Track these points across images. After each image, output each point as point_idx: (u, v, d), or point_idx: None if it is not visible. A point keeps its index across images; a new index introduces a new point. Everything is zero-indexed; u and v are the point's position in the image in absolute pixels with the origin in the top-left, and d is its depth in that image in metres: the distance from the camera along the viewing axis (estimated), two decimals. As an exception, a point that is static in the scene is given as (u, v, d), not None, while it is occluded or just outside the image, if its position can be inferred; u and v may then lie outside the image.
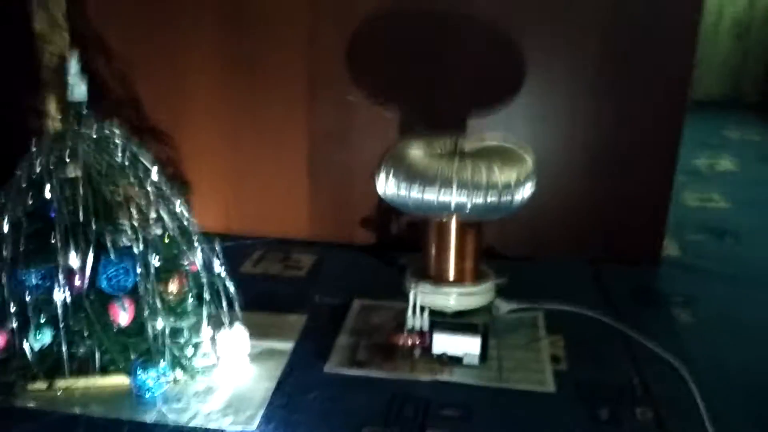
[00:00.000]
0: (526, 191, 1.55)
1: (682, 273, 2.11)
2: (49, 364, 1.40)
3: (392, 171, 1.54)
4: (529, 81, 2.05)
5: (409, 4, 2.04)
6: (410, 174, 1.51)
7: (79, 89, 1.50)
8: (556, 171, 2.10)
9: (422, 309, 1.59)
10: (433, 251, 1.65)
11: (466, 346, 1.55)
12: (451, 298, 1.61)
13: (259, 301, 1.77)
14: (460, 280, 1.64)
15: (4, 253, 1.37)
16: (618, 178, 2.09)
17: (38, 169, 1.43)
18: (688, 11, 1.94)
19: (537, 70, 2.04)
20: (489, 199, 1.49)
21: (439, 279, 1.63)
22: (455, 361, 1.56)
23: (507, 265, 1.87)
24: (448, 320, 1.61)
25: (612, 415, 1.42)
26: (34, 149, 1.47)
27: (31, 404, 1.39)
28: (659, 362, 1.61)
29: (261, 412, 1.40)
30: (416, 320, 1.58)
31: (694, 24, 1.95)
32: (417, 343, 1.57)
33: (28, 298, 1.37)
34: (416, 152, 1.58)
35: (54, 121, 2.30)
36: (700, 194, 2.80)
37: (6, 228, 1.38)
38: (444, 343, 1.56)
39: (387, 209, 2.09)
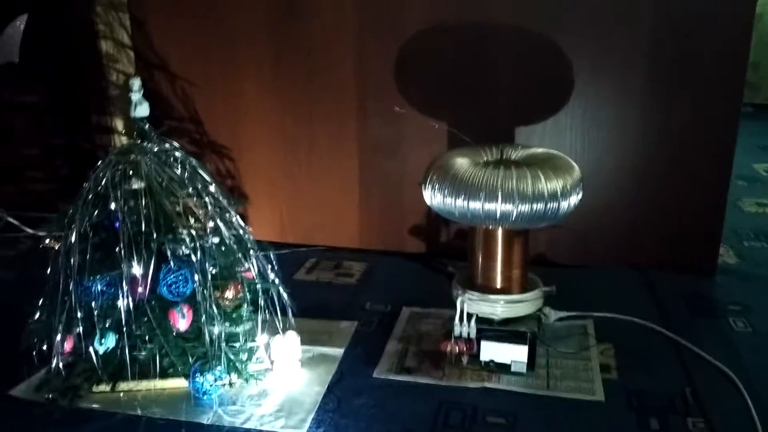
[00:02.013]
0: (572, 200, 1.55)
1: (738, 281, 2.06)
2: (113, 367, 1.47)
3: (438, 181, 1.57)
4: (577, 89, 2.04)
5: (455, 15, 2.07)
6: (456, 183, 1.53)
7: (141, 107, 1.58)
8: (607, 178, 2.08)
9: (470, 316, 1.61)
10: (480, 259, 1.66)
11: (513, 353, 1.56)
12: (499, 306, 1.62)
13: (312, 308, 1.82)
14: (507, 288, 1.65)
15: (72, 262, 1.45)
16: (671, 185, 2.06)
17: (104, 183, 1.51)
18: (739, 16, 1.90)
19: (585, 78, 2.03)
20: (535, 208, 1.50)
21: (486, 287, 1.65)
22: (503, 368, 1.57)
23: (557, 273, 1.87)
24: (495, 328, 1.62)
25: (662, 425, 1.40)
26: (100, 163, 1.55)
27: (96, 406, 1.47)
28: (713, 372, 1.58)
29: (311, 416, 1.44)
30: (464, 328, 1.60)
31: (745, 29, 1.91)
32: (465, 350, 1.59)
33: (93, 305, 1.45)
34: (462, 161, 1.60)
35: (120, 137, 2.43)
36: (758, 200, 2.72)
37: (74, 238, 1.46)
38: (491, 351, 1.57)
39: (436, 217, 2.11)
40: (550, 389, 1.53)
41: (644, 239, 2.12)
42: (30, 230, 2.37)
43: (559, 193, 1.52)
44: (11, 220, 2.40)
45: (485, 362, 1.57)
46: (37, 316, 1.50)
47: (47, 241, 1.54)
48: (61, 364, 1.46)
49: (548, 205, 1.51)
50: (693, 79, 1.97)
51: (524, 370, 1.56)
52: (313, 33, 2.18)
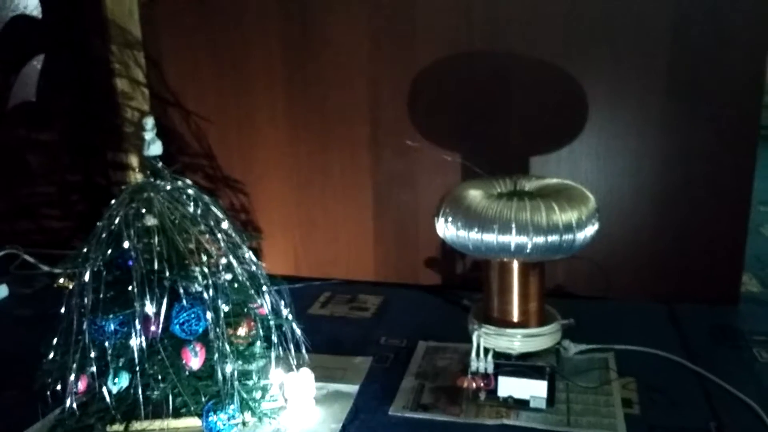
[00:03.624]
0: (588, 231, 1.53)
1: (763, 310, 2.01)
2: (126, 407, 1.46)
3: (451, 213, 1.55)
4: (592, 117, 2.03)
5: (468, 44, 2.07)
6: (469, 216, 1.52)
7: (154, 146, 1.59)
8: (625, 207, 2.06)
9: (486, 351, 1.58)
10: (496, 293, 1.63)
11: (532, 389, 1.53)
12: (516, 341, 1.59)
13: (326, 343, 1.80)
14: (524, 322, 1.62)
15: (85, 300, 1.44)
16: (690, 213, 2.03)
17: (117, 221, 1.51)
18: (754, 40, 1.88)
19: (601, 105, 2.02)
20: (549, 240, 1.47)
21: (502, 321, 1.62)
22: (521, 404, 1.54)
23: (576, 305, 1.83)
24: (513, 363, 1.59)
25: (687, 462, 1.37)
26: (113, 202, 1.56)
27: (110, 446, 1.46)
28: (738, 405, 1.54)
29: (326, 456, 1.42)
30: (480, 363, 1.57)
31: (760, 53, 1.89)
32: (482, 386, 1.56)
33: (107, 344, 1.44)
34: (475, 193, 1.59)
35: (135, 173, 2.45)
36: (781, 227, 2.68)
37: (87, 277, 1.46)
38: (509, 386, 1.54)
39: (451, 250, 2.09)
40: (571, 425, 1.49)
41: (664, 268, 2.08)
42: (46, 268, 2.38)
43: (574, 224, 1.49)
44: (27, 257, 2.42)
45: (503, 398, 1.54)
46: (51, 355, 1.49)
47: (61, 280, 1.54)
48: (74, 404, 1.45)
49: (563, 237, 1.48)
50: (710, 105, 1.95)
51: (544, 405, 1.52)
52: (326, 65, 2.19)
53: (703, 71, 1.94)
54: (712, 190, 2.00)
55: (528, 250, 1.47)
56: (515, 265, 1.60)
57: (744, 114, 1.93)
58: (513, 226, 1.47)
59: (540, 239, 1.47)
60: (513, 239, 1.47)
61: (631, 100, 2.01)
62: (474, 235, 1.51)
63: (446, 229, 1.57)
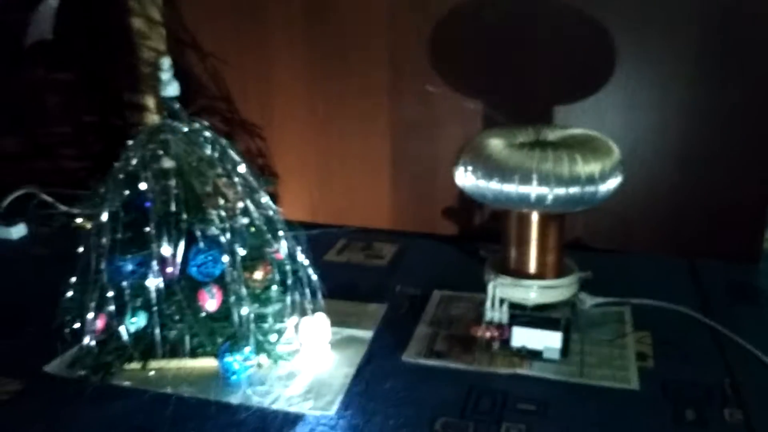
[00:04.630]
0: (611, 183, 1.50)
1: (784, 269, 1.99)
2: (144, 346, 1.48)
3: (471, 163, 1.53)
4: (619, 69, 1.98)
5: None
6: (489, 166, 1.49)
7: (171, 86, 1.57)
8: (648, 160, 2.02)
9: (501, 302, 1.58)
10: (514, 244, 1.62)
11: (546, 340, 1.53)
12: (532, 292, 1.58)
13: (342, 290, 1.80)
14: (541, 273, 1.61)
15: (103, 241, 1.45)
16: (714, 169, 1.99)
17: (134, 162, 1.51)
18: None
19: (627, 56, 1.96)
20: (571, 192, 1.45)
21: (519, 272, 1.61)
22: (535, 355, 1.54)
23: (595, 258, 1.81)
24: (528, 314, 1.58)
25: (698, 416, 1.36)
26: (130, 143, 1.55)
27: (127, 383, 1.48)
28: (753, 362, 1.53)
29: (339, 398, 1.43)
30: (495, 313, 1.57)
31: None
32: (496, 335, 1.56)
33: (124, 284, 1.46)
34: (496, 143, 1.56)
35: (152, 115, 2.43)
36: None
37: (105, 218, 1.47)
38: (523, 337, 1.54)
39: (469, 200, 2.07)
40: (584, 377, 1.49)
41: (686, 224, 2.05)
42: (63, 207, 2.39)
43: (597, 176, 1.46)
44: (45, 197, 2.43)
45: (517, 348, 1.54)
46: (69, 294, 1.51)
47: (79, 220, 1.55)
48: (93, 342, 1.48)
49: (585, 189, 1.46)
50: (743, 59, 1.88)
51: (557, 356, 1.53)
52: (346, 9, 2.14)
53: (734, 29, 1.87)
54: (737, 148, 1.95)
55: (549, 202, 1.45)
56: (534, 216, 1.58)
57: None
58: (534, 176, 1.44)
59: (561, 190, 1.44)
60: (534, 190, 1.45)
61: (660, 54, 1.94)
62: (494, 185, 1.48)
63: (465, 178, 1.54)
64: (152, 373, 1.50)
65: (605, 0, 1.94)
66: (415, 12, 2.09)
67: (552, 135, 1.63)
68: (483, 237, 2.14)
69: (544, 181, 1.44)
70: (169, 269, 1.45)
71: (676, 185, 2.03)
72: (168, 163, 1.51)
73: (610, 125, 2.00)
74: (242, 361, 1.47)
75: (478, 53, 2.08)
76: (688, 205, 2.04)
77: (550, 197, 1.45)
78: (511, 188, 1.46)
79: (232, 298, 1.47)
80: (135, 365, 1.50)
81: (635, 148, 2.00)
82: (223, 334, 1.50)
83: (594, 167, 1.47)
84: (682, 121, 1.98)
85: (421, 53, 2.10)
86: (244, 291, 1.47)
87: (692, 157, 2.00)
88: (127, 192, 1.49)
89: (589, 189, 1.46)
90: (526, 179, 1.45)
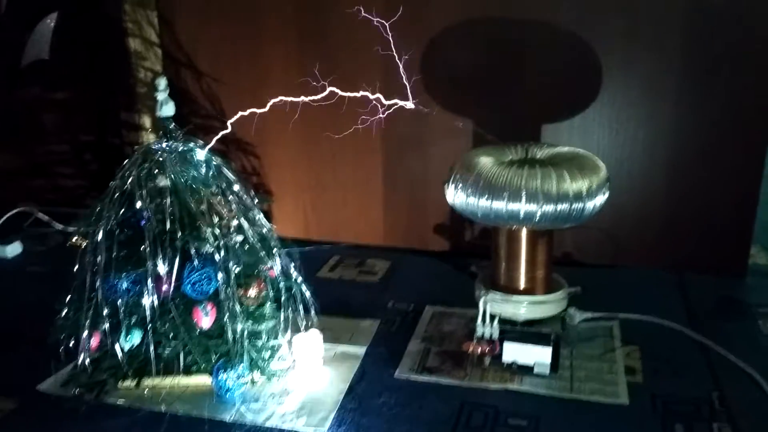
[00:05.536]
0: (598, 200, 1.53)
1: (769, 283, 2.02)
2: (138, 364, 1.49)
3: (461, 180, 1.56)
4: (606, 85, 2.01)
5: (482, 11, 2.05)
6: (478, 183, 1.52)
7: (167, 106, 1.60)
8: (636, 177, 2.05)
9: (492, 317, 1.60)
10: (504, 260, 1.65)
11: (536, 355, 1.55)
12: (522, 307, 1.61)
13: (335, 306, 1.82)
14: (531, 289, 1.64)
15: (98, 259, 1.47)
16: (701, 183, 2.02)
17: (129, 181, 1.53)
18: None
19: (615, 73, 2.00)
20: (559, 209, 1.48)
21: (509, 288, 1.63)
22: (526, 370, 1.56)
23: (584, 273, 1.84)
24: (518, 329, 1.60)
25: (687, 430, 1.38)
26: (126, 161, 1.57)
27: (121, 401, 1.49)
28: (741, 377, 1.55)
29: (333, 415, 1.44)
30: (486, 329, 1.59)
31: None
32: (487, 351, 1.58)
33: (119, 302, 1.47)
34: (486, 160, 1.59)
35: (148, 134, 2.46)
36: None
37: (100, 236, 1.48)
38: (514, 352, 1.56)
39: (460, 216, 2.10)
40: (574, 392, 1.51)
41: (674, 238, 2.08)
42: (59, 226, 2.41)
43: (584, 193, 1.50)
44: (41, 216, 2.45)
45: (508, 364, 1.56)
46: (64, 312, 1.52)
47: (75, 239, 1.56)
48: (87, 360, 1.49)
49: (573, 206, 1.49)
50: (725, 78, 1.93)
51: (547, 372, 1.54)
52: (339, 27, 2.17)
53: (718, 44, 1.91)
54: (723, 163, 1.99)
55: (537, 219, 1.48)
56: (524, 232, 1.61)
57: (759, 86, 1.91)
58: (523, 193, 1.47)
59: (549, 208, 1.47)
60: (522, 207, 1.47)
61: (646, 71, 1.98)
62: (483, 203, 1.51)
63: (456, 195, 1.57)
64: (146, 391, 1.50)
65: (592, 20, 1.98)
66: (408, 33, 2.12)
67: (540, 153, 1.66)
68: (474, 253, 2.16)
69: (532, 198, 1.47)
70: (164, 287, 1.46)
71: (663, 200, 2.06)
72: (163, 182, 1.53)
73: (597, 142, 2.04)
74: (236, 379, 1.48)
75: (468, 73, 2.11)
76: (674, 219, 2.07)
77: (538, 214, 1.48)
78: (500, 205, 1.49)
79: (227, 316, 1.48)
80: (129, 383, 1.51)
81: (623, 164, 2.03)
82: (217, 351, 1.51)
83: (582, 184, 1.50)
84: (669, 137, 2.02)
85: (414, 73, 2.13)
86: (238, 308, 1.49)
87: (679, 172, 2.03)
88: (122, 210, 1.51)
89: (577, 206, 1.49)
90: (515, 196, 1.48)
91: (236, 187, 1.58)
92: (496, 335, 1.58)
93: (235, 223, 1.56)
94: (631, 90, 2.01)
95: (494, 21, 2.05)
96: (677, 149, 2.02)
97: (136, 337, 1.47)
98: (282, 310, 1.58)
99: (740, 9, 1.86)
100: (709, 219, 2.04)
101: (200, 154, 1.58)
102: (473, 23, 2.06)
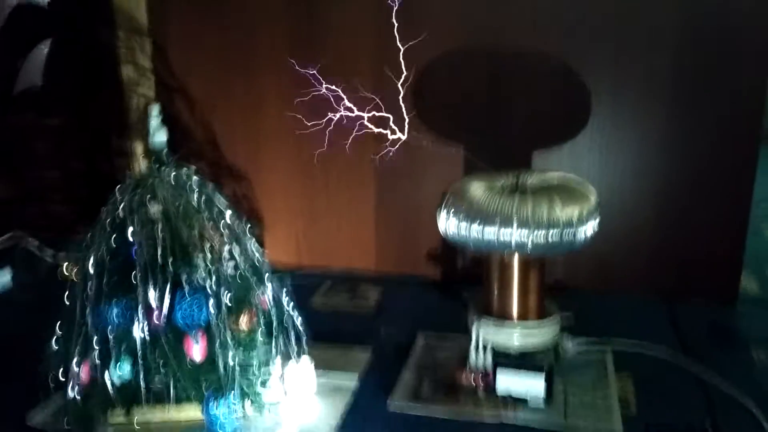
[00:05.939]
0: (588, 229, 1.53)
1: (761, 311, 2.01)
2: (128, 395, 1.47)
3: (452, 208, 1.55)
4: (596, 113, 2.03)
5: (473, 40, 2.07)
6: (470, 211, 1.52)
7: (159, 133, 1.59)
8: (627, 202, 2.06)
9: (485, 347, 1.59)
10: (496, 288, 1.64)
11: (530, 386, 1.54)
12: (515, 337, 1.60)
13: (327, 334, 1.80)
14: (523, 315, 1.63)
15: (89, 288, 1.45)
16: (691, 210, 2.03)
17: (121, 208, 1.52)
18: (758, 41, 1.88)
19: (604, 101, 2.02)
20: (550, 237, 1.48)
21: (501, 316, 1.62)
22: (520, 402, 1.54)
23: (576, 299, 1.83)
24: (512, 360, 1.59)
25: (682, 460, 1.38)
26: (118, 189, 1.56)
27: (111, 435, 1.47)
28: (734, 406, 1.54)
29: (325, 448, 1.43)
30: (479, 358, 1.58)
31: (764, 54, 1.89)
32: (482, 385, 1.57)
33: (109, 333, 1.45)
34: (477, 189, 1.59)
35: (140, 161, 2.45)
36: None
37: (91, 264, 1.46)
38: (508, 383, 1.55)
39: (452, 244, 2.10)
40: (568, 424, 1.49)
41: (664, 265, 2.09)
42: (49, 255, 2.38)
43: (575, 220, 1.49)
44: (31, 247, 2.42)
45: (502, 396, 1.55)
46: (54, 342, 1.50)
47: (65, 267, 1.55)
48: (77, 393, 1.46)
49: (564, 232, 1.49)
50: (714, 104, 1.95)
51: (542, 405, 1.53)
52: (331, 57, 2.18)
53: (707, 71, 1.93)
54: (713, 190, 2.00)
55: (529, 247, 1.48)
56: (516, 260, 1.61)
57: (747, 113, 1.93)
58: (514, 222, 1.47)
59: (541, 237, 1.47)
60: (514, 236, 1.47)
61: (634, 97, 2.00)
62: (475, 232, 1.51)
63: (448, 224, 1.57)
64: (137, 426, 1.48)
65: (580, 48, 2.00)
66: (398, 62, 2.13)
67: (531, 179, 1.66)
68: (465, 281, 2.16)
69: (524, 226, 1.47)
70: (155, 317, 1.45)
71: (654, 226, 2.07)
72: (155, 208, 1.52)
73: (587, 168, 2.05)
74: (227, 413, 1.45)
75: (459, 101, 2.13)
76: (665, 246, 2.07)
77: (530, 243, 1.47)
78: (492, 234, 1.49)
79: (217, 344, 1.46)
80: (120, 416, 1.49)
81: (613, 190, 2.04)
82: (208, 380, 1.49)
83: (572, 212, 1.50)
84: (660, 162, 2.03)
85: (406, 100, 2.14)
86: (229, 339, 1.47)
87: (669, 198, 2.04)
88: (113, 238, 1.49)
89: (568, 235, 1.49)
90: (506, 225, 1.48)
91: (228, 215, 1.58)
92: (489, 364, 1.57)
93: (227, 249, 1.55)
94: (619, 117, 2.02)
95: (485, 49, 2.07)
96: (667, 176, 2.03)
97: (126, 369, 1.45)
98: (274, 340, 1.56)
99: (729, 34, 1.88)
100: (699, 246, 2.04)
101: (192, 181, 1.57)
102: (464, 52, 2.08)
